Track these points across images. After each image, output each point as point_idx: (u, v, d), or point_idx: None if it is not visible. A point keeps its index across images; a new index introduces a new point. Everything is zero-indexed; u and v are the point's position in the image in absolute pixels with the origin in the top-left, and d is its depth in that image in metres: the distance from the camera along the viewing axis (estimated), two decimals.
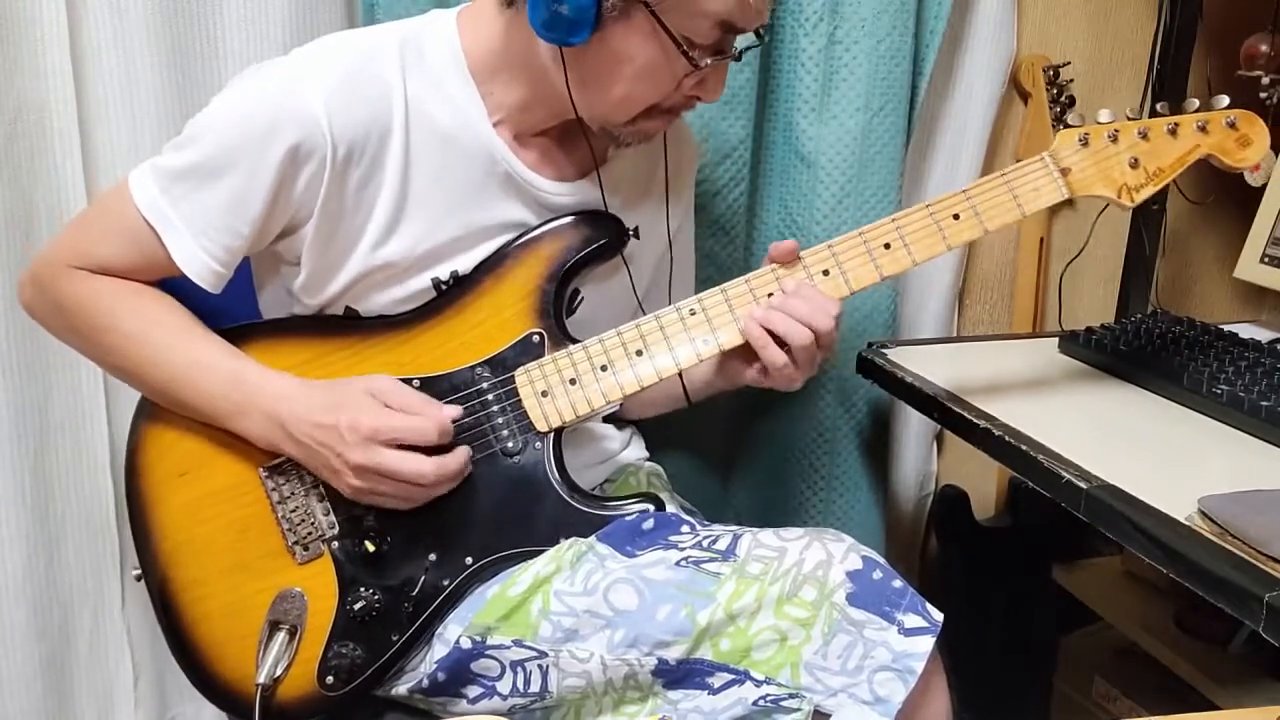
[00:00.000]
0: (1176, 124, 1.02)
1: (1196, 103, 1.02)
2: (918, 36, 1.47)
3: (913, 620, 0.86)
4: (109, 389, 1.34)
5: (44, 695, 1.35)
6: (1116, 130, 1.01)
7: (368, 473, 0.91)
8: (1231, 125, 1.02)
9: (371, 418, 0.90)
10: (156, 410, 0.99)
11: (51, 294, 0.97)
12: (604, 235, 1.01)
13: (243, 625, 0.96)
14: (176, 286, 0.98)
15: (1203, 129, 1.02)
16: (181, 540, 0.97)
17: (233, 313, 1.01)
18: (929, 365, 1.27)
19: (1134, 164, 1.01)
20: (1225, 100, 1.02)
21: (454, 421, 0.94)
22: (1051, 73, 1.60)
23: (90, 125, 1.24)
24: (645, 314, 1.00)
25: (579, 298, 1.06)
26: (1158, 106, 1.03)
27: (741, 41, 0.97)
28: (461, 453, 0.94)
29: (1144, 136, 1.01)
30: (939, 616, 0.87)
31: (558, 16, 0.86)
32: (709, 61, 0.92)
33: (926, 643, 0.86)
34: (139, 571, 0.99)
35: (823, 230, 1.48)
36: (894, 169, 1.48)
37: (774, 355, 0.96)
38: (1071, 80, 1.61)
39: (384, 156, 0.94)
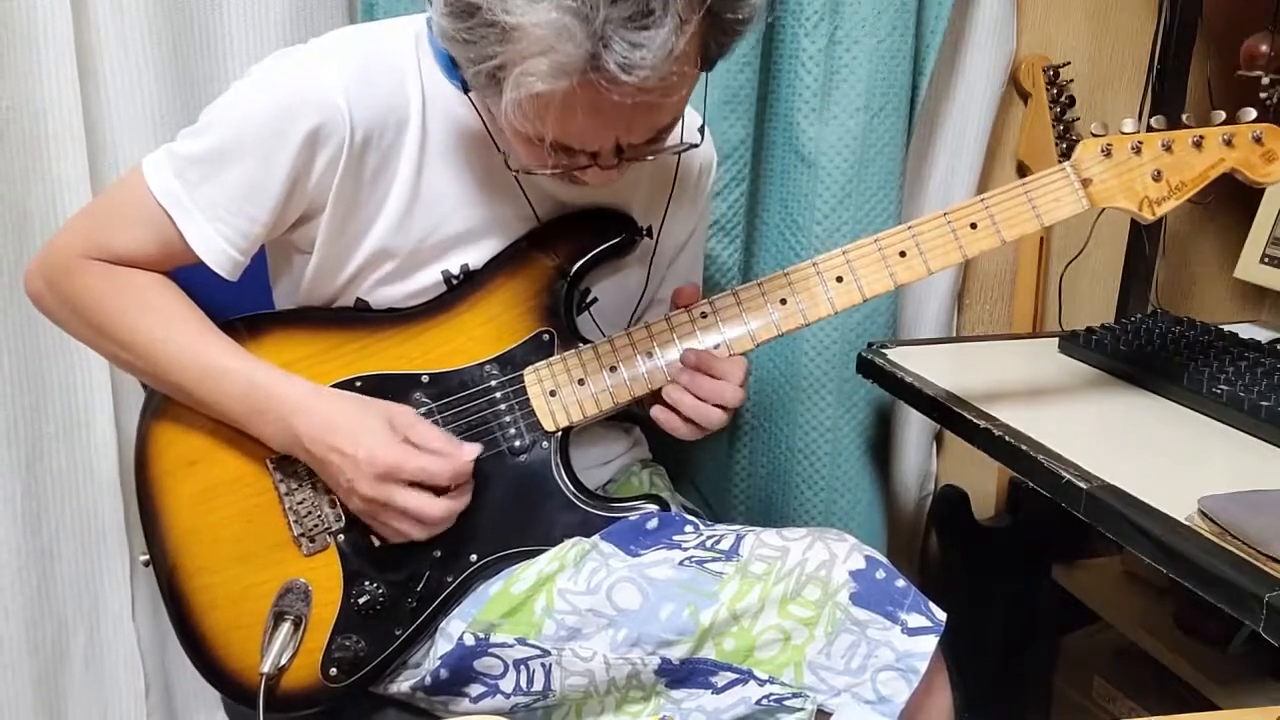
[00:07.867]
0: (1202, 137, 0.99)
1: (1223, 115, 0.99)
2: (918, 36, 1.47)
3: (916, 620, 0.87)
4: (115, 390, 1.31)
5: (35, 713, 1.31)
6: (1140, 142, 0.99)
7: (375, 504, 0.91)
8: (1258, 140, 0.99)
9: (388, 453, 0.89)
10: (166, 401, 0.99)
11: (65, 288, 0.96)
12: (616, 234, 1.01)
13: (248, 614, 0.96)
14: (186, 280, 0.97)
15: (1228, 143, 0.99)
16: (189, 529, 0.97)
17: (243, 306, 1.01)
18: (929, 365, 1.28)
19: (1157, 176, 0.99)
20: (1252, 114, 0.99)
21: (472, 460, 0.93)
22: (1051, 73, 1.61)
23: (91, 125, 1.24)
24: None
25: (590, 297, 1.05)
26: (1184, 118, 1.00)
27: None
28: (467, 491, 0.94)
29: (1168, 149, 0.99)
30: (942, 616, 0.88)
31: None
32: (535, 169, 0.88)
33: (930, 642, 0.86)
34: (146, 557, 0.99)
35: (823, 230, 1.48)
36: (894, 169, 1.49)
37: (686, 433, 0.98)
38: (1071, 80, 1.61)
39: (399, 146, 0.94)
